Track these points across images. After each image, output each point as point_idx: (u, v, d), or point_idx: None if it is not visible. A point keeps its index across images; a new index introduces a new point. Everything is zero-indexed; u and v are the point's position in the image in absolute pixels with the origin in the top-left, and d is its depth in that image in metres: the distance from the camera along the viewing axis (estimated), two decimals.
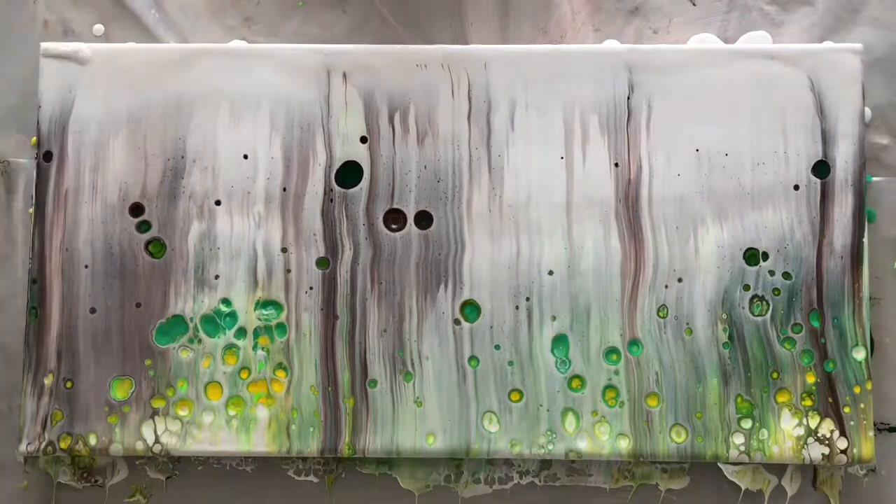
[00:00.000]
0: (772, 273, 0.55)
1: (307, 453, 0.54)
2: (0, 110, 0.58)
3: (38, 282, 0.55)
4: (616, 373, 0.54)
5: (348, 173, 0.56)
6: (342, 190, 0.56)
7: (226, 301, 0.55)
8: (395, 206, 0.55)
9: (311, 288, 0.55)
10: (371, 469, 0.56)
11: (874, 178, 0.57)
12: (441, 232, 0.55)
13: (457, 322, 0.55)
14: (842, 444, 0.53)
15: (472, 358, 0.55)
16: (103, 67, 0.56)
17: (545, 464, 0.56)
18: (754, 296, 0.55)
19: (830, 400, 0.54)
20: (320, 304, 0.55)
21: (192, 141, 0.56)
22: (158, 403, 0.54)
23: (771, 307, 0.55)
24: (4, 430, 0.57)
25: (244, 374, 0.54)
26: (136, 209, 0.55)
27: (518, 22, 0.59)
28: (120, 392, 0.55)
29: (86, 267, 0.55)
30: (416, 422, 0.54)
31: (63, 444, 0.54)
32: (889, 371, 0.56)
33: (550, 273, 0.55)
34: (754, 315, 0.55)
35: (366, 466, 0.56)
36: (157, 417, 0.54)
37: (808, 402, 0.54)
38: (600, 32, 0.59)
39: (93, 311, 0.55)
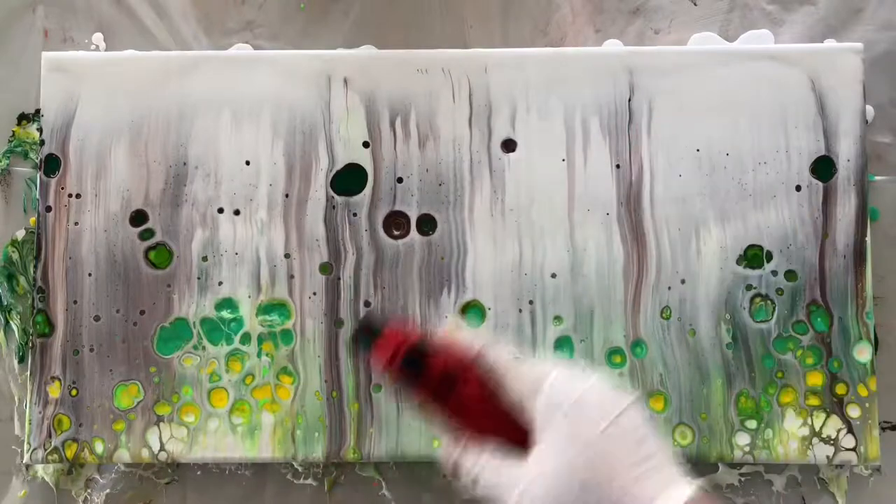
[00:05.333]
0: (775, 273, 0.55)
1: (312, 458, 0.54)
2: (0, 119, 0.58)
3: (42, 290, 0.55)
4: (620, 374, 0.54)
5: (351, 179, 0.56)
6: (345, 197, 0.56)
7: (230, 307, 0.55)
8: (396, 208, 0.55)
9: (314, 293, 0.55)
10: (370, 472, 0.56)
11: (877, 177, 0.57)
12: (443, 236, 0.55)
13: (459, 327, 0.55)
14: (848, 443, 0.53)
15: None
16: (104, 75, 0.56)
17: None
18: (757, 296, 0.55)
19: (835, 399, 0.54)
20: (324, 310, 0.55)
21: (194, 148, 0.56)
22: (163, 410, 0.55)
23: (774, 307, 0.54)
24: (3, 438, 0.57)
25: (248, 380, 0.55)
26: (140, 217, 0.56)
27: (518, 24, 0.59)
28: (125, 399, 0.55)
29: (89, 275, 0.55)
30: (420, 426, 0.54)
31: (69, 452, 0.54)
32: (893, 369, 0.56)
33: (553, 276, 0.55)
34: (757, 315, 0.54)
35: (364, 469, 0.56)
36: (161, 424, 0.54)
37: (813, 402, 0.54)
38: (601, 33, 0.59)
39: (97, 318, 0.55)
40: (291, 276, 0.55)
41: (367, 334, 0.41)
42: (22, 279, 0.57)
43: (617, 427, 0.36)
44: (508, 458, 0.37)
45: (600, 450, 0.36)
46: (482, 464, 0.38)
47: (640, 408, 0.37)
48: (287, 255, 0.55)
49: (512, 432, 0.38)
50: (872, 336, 0.54)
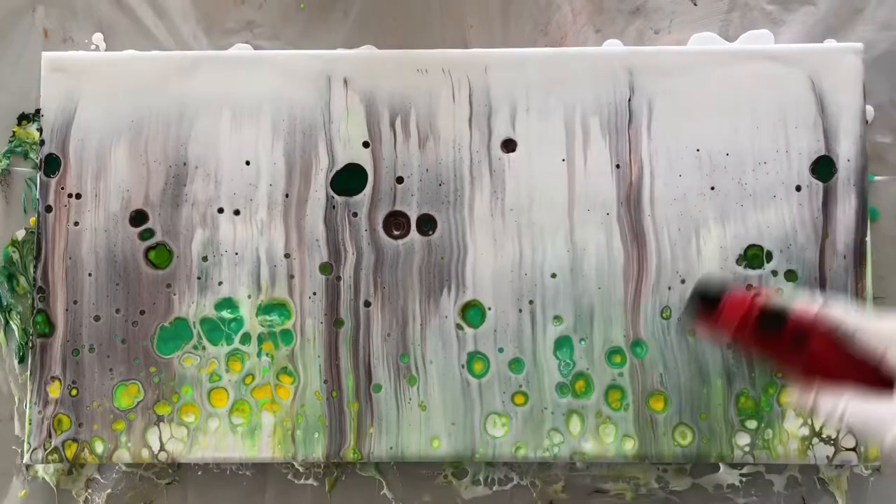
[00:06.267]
0: (775, 273, 0.55)
1: (313, 459, 0.54)
2: (1, 119, 0.58)
3: (42, 290, 0.55)
4: (620, 374, 0.54)
5: (351, 179, 0.56)
6: (345, 197, 0.56)
7: (230, 307, 0.55)
8: (396, 208, 0.55)
9: (314, 293, 0.55)
10: (370, 472, 0.56)
11: (877, 177, 0.57)
12: (443, 236, 0.55)
13: (459, 327, 0.55)
14: (848, 443, 0.53)
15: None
16: (104, 75, 0.56)
17: (545, 464, 0.56)
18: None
19: None
20: (324, 310, 0.55)
21: (194, 148, 0.56)
22: (163, 410, 0.55)
23: None
24: (3, 438, 0.57)
25: (248, 380, 0.55)
26: (140, 217, 0.56)
27: (518, 24, 0.59)
28: (125, 399, 0.55)
29: (89, 275, 0.55)
30: (420, 426, 0.54)
31: (69, 452, 0.54)
32: None
33: (553, 276, 0.55)
34: None
35: (365, 469, 0.56)
36: (161, 424, 0.54)
37: None
38: (601, 33, 0.59)
39: (97, 318, 0.55)
40: (291, 276, 0.55)
41: (707, 301, 0.46)
42: (22, 279, 0.57)
43: None
44: (873, 399, 0.41)
45: None
46: (845, 403, 0.41)
47: None
48: (287, 255, 0.55)
49: (869, 377, 0.42)
50: None
